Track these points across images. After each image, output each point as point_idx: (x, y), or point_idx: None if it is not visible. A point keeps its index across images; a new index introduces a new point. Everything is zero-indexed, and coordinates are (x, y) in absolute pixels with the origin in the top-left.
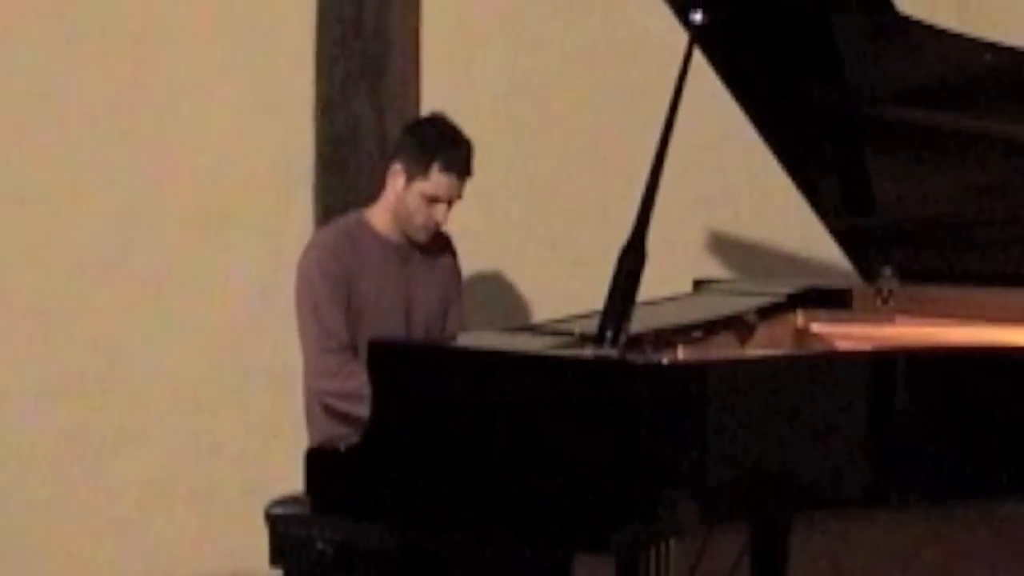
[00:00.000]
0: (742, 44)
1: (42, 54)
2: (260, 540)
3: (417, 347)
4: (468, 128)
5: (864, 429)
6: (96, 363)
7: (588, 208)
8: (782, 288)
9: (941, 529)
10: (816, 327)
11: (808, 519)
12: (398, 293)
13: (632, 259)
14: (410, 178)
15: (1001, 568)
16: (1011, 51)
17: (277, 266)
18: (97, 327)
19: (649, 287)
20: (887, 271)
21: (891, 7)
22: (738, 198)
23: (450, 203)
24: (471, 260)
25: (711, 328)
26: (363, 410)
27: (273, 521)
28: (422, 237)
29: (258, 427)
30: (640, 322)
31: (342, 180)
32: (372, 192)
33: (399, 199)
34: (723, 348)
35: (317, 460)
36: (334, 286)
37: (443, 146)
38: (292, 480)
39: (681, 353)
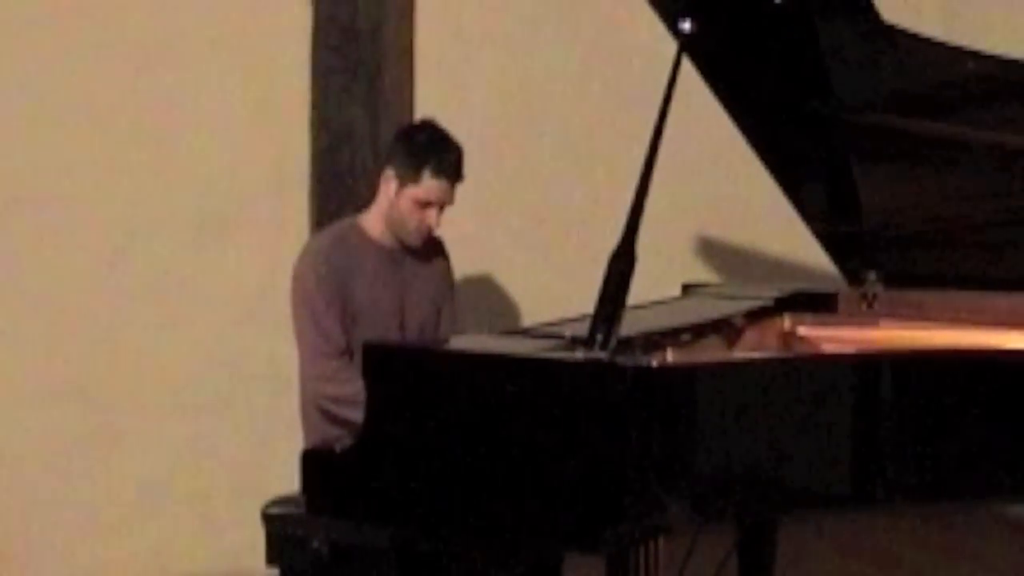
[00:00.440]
0: (730, 52)
1: (43, 62)
2: (257, 540)
3: (411, 350)
4: (460, 134)
5: (850, 430)
6: (95, 365)
7: (579, 213)
8: (769, 292)
9: (926, 529)
10: (802, 330)
11: (795, 519)
12: (392, 297)
13: (622, 263)
14: (402, 183)
15: (986, 567)
16: (995, 59)
17: (273, 270)
18: (96, 330)
19: (639, 291)
20: (872, 275)
21: (876, 16)
22: (726, 203)
23: (442, 207)
24: (464, 264)
25: (699, 331)
26: (359, 415)
27: (270, 521)
28: (415, 241)
29: (255, 429)
30: (630, 325)
31: (337, 185)
32: (367, 197)
33: (392, 204)
34: (711, 351)
35: (313, 461)
36: (329, 291)
37: (434, 151)
38: (288, 481)
39: (670, 356)
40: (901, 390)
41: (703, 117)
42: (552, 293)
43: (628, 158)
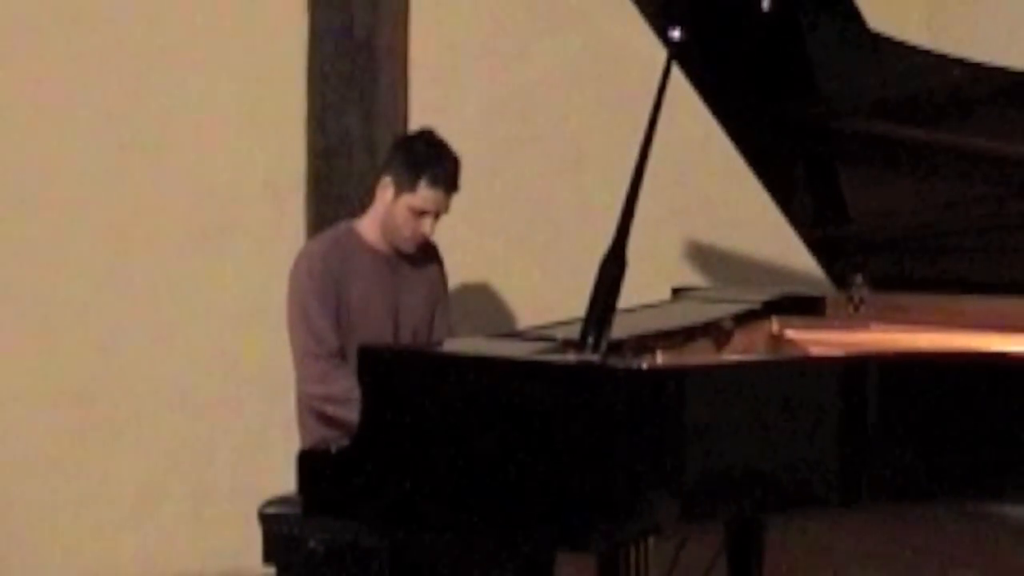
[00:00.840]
0: (718, 60)
1: (42, 71)
2: (254, 539)
3: (405, 353)
4: (453, 140)
5: (837, 431)
6: (95, 368)
7: (570, 218)
8: (757, 296)
9: (912, 528)
10: (790, 333)
11: (783, 519)
12: (386, 301)
13: (613, 267)
14: (398, 192)
15: (970, 565)
16: (979, 67)
17: (270, 274)
18: (95, 333)
19: (629, 295)
20: (858, 279)
21: (863, 24)
22: (715, 209)
23: (437, 216)
24: (458, 269)
25: (689, 334)
26: (350, 414)
27: (266, 521)
28: (409, 248)
29: (252, 430)
30: (621, 328)
31: (333, 191)
32: (362, 202)
33: (387, 211)
34: (701, 353)
35: (308, 462)
36: (324, 294)
37: (431, 162)
38: (284, 481)
39: (660, 358)
40: (887, 392)
41: (693, 123)
42: (544, 296)
43: (619, 164)
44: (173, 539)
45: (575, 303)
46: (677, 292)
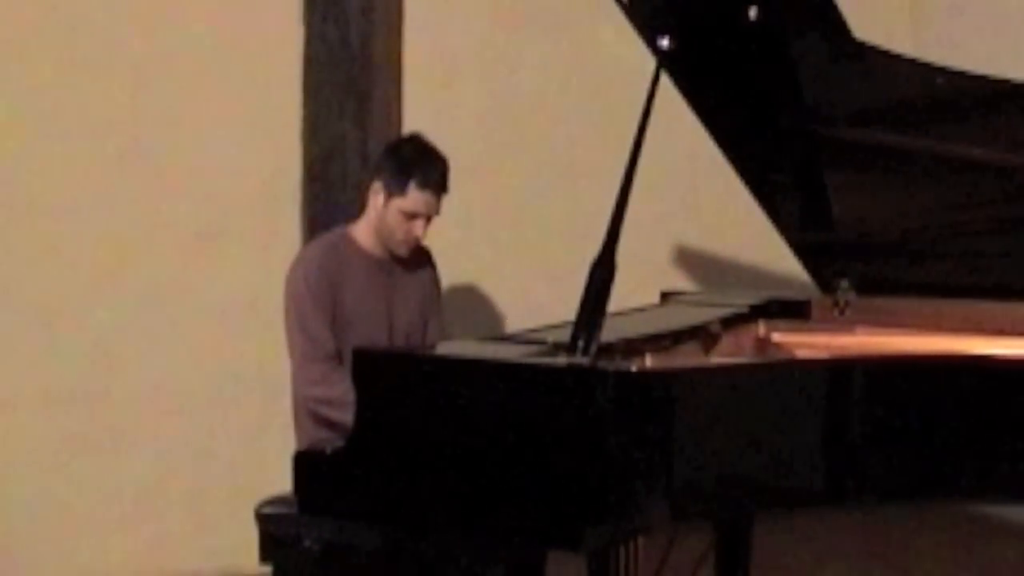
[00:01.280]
0: (706, 68)
1: (45, 81)
2: (251, 538)
3: (399, 356)
4: (446, 147)
5: (822, 432)
6: (94, 370)
7: (561, 223)
8: (745, 299)
9: (896, 527)
10: (777, 336)
11: (770, 518)
12: (380, 304)
13: (603, 272)
14: (389, 196)
15: (954, 563)
16: (962, 75)
17: (266, 278)
18: (95, 336)
19: (619, 298)
20: (844, 283)
21: (848, 33)
22: (703, 214)
23: (428, 218)
24: (450, 273)
25: (678, 337)
26: (347, 415)
27: (263, 520)
28: (403, 251)
29: (248, 431)
30: (610, 331)
31: (328, 197)
32: (357, 208)
33: (379, 216)
34: (689, 356)
35: (304, 463)
36: (320, 298)
37: (420, 165)
38: (281, 482)
39: (649, 361)
40: (872, 394)
41: (681, 131)
42: (535, 300)
43: (609, 170)
44: (171, 538)
45: (566, 307)
46: (666, 296)
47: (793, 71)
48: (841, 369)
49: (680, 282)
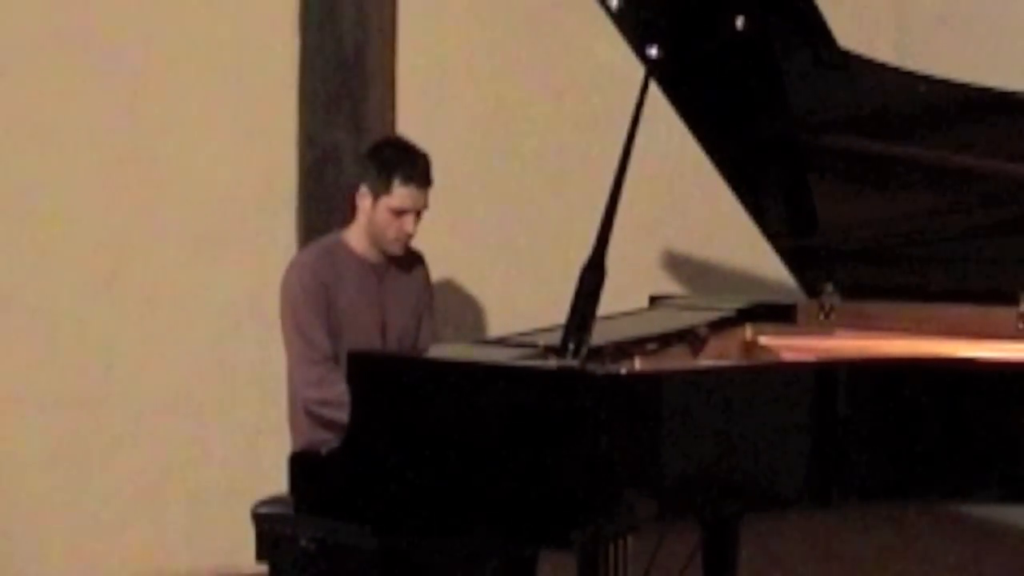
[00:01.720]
0: (694, 77)
1: (46, 88)
2: (247, 537)
3: (393, 358)
4: (439, 153)
5: (808, 434)
6: (94, 372)
7: (552, 228)
8: (732, 303)
9: (879, 527)
10: (763, 340)
11: (756, 517)
12: (374, 308)
13: (592, 276)
14: (376, 196)
15: (938, 563)
16: (944, 83)
17: (263, 282)
18: (94, 339)
19: (608, 302)
20: (829, 287)
21: (832, 42)
22: (691, 220)
23: (418, 214)
24: (443, 277)
25: (666, 341)
26: (345, 416)
27: (259, 520)
28: (397, 250)
29: (245, 433)
30: (600, 335)
31: (323, 202)
32: (351, 213)
33: (369, 218)
34: (677, 359)
35: (300, 463)
36: (315, 303)
37: (401, 162)
38: (277, 482)
39: (638, 364)
40: (856, 396)
41: (670, 138)
42: (526, 304)
43: (598, 176)
44: (169, 537)
45: (556, 310)
46: (654, 300)
47: (779, 79)
48: (826, 372)
49: (668, 286)
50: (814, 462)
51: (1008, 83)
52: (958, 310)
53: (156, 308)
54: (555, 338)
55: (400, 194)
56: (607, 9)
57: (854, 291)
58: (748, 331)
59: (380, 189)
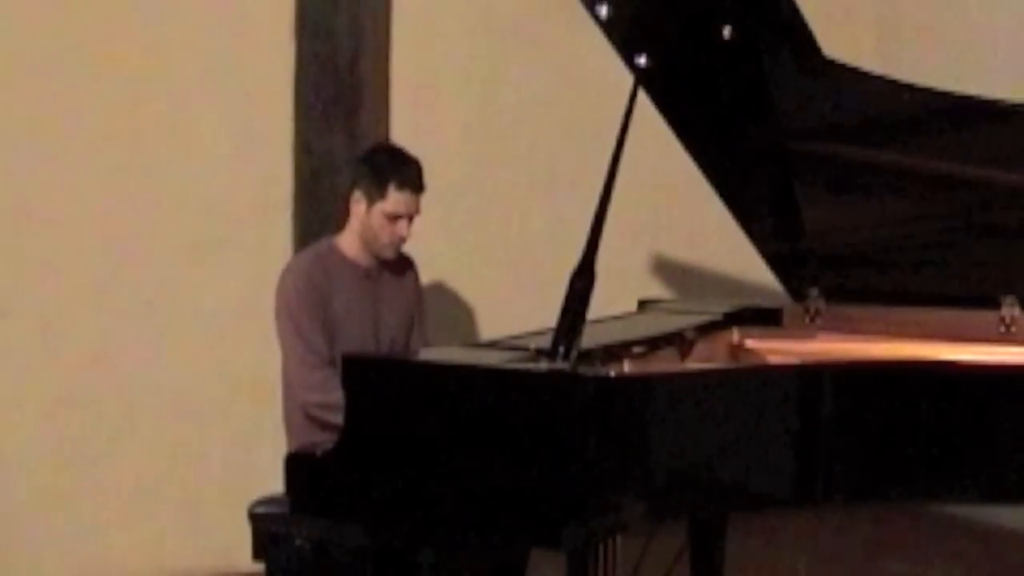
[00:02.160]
0: (682, 85)
1: (45, 96)
2: (244, 537)
3: (386, 361)
4: (431, 160)
5: (793, 435)
6: (93, 375)
7: (542, 234)
8: (719, 307)
9: (864, 526)
10: (750, 343)
11: (743, 517)
12: (367, 311)
13: (582, 280)
14: (371, 202)
15: (921, 562)
16: (927, 91)
17: (259, 287)
18: (93, 342)
19: (598, 306)
20: (814, 292)
21: (818, 51)
22: (679, 225)
23: (410, 219)
24: (435, 281)
25: (654, 344)
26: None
27: (256, 520)
28: (390, 254)
29: (242, 434)
30: (590, 338)
31: (318, 209)
32: (346, 220)
33: (363, 223)
34: (665, 362)
35: (296, 464)
36: (312, 307)
37: (395, 168)
38: (273, 482)
39: (627, 367)
40: (841, 398)
41: (658, 145)
42: (517, 308)
43: (588, 183)
44: (167, 537)
45: (547, 314)
46: (643, 304)
47: (765, 87)
48: (811, 374)
49: (657, 290)
50: (799, 463)
51: (989, 91)
52: (940, 314)
53: (154, 311)
54: (546, 341)
55: (395, 199)
56: (596, 19)
57: (839, 295)
58: (735, 334)
59: (375, 194)
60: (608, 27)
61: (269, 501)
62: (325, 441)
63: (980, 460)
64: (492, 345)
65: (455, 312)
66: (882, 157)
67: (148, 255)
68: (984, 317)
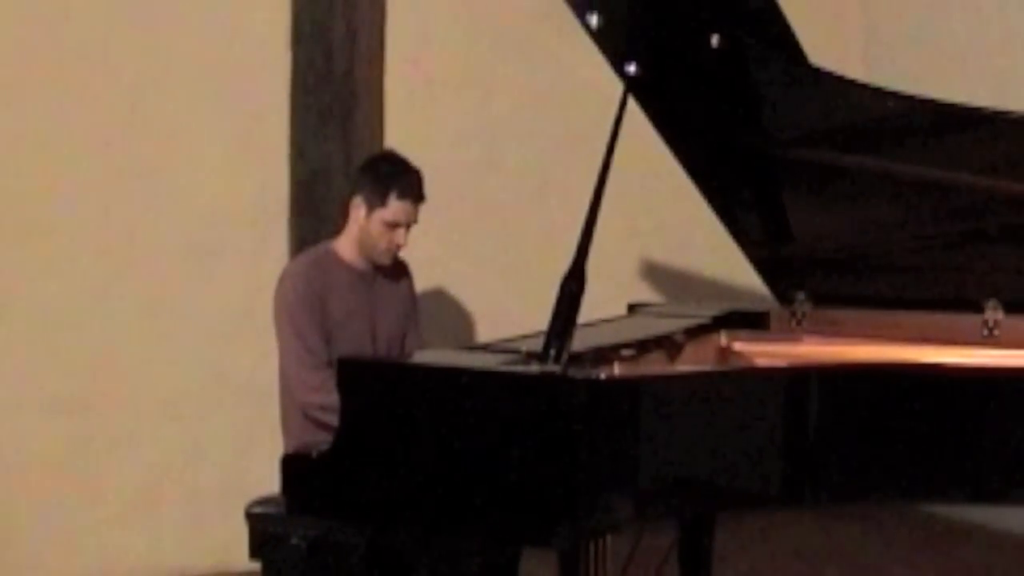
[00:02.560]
0: (671, 93)
1: (44, 104)
2: (241, 536)
3: (381, 364)
4: (425, 167)
5: (780, 437)
6: (93, 378)
7: (534, 238)
8: (707, 311)
9: (850, 526)
10: (737, 346)
11: (731, 517)
12: (364, 314)
13: (573, 284)
14: (371, 209)
15: (907, 562)
16: (911, 99)
17: (256, 291)
18: (94, 346)
19: (588, 310)
20: (800, 296)
21: (804, 59)
22: (668, 230)
23: (408, 227)
24: (429, 285)
25: (644, 347)
26: None
27: (252, 519)
28: (386, 260)
29: (239, 435)
30: (580, 341)
31: (314, 215)
32: (341, 225)
33: (362, 229)
34: (654, 365)
35: (292, 465)
36: (310, 310)
37: (397, 177)
38: (269, 483)
39: (617, 369)
40: (827, 400)
41: (647, 151)
42: (509, 311)
43: (579, 188)
44: (166, 536)
45: (538, 317)
46: (633, 308)
47: (753, 95)
48: (798, 377)
49: (646, 294)
50: (786, 463)
51: (973, 99)
52: (924, 317)
53: (153, 315)
54: (538, 344)
55: (395, 208)
56: (587, 28)
57: (824, 299)
58: (723, 337)
59: (376, 202)
60: (599, 36)
61: (265, 501)
62: (321, 442)
63: (964, 461)
64: (485, 348)
65: (449, 315)
66: (867, 163)
67: (147, 259)
68: (967, 320)
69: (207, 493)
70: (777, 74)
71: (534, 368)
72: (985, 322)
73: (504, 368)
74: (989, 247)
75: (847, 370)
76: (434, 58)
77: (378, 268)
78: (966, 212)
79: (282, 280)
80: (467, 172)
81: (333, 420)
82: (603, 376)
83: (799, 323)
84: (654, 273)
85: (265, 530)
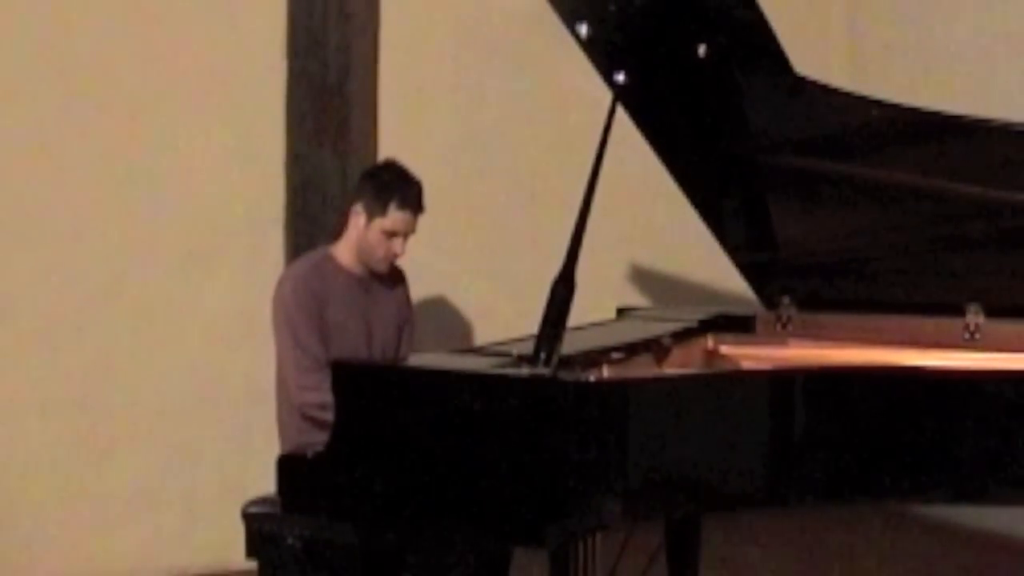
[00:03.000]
0: (659, 101)
1: (44, 111)
2: (238, 536)
3: (374, 367)
4: (419, 174)
5: (766, 438)
6: (92, 380)
7: (524, 244)
8: (694, 315)
9: (835, 526)
10: (724, 349)
11: (717, 517)
12: (360, 318)
13: (563, 289)
14: (370, 217)
15: (890, 561)
16: (896, 107)
17: (253, 296)
18: (94, 349)
19: (578, 314)
20: (786, 300)
21: (789, 68)
22: (656, 235)
23: (406, 236)
24: (422, 289)
25: (632, 350)
26: None
27: (249, 519)
28: (382, 267)
29: (235, 436)
30: (570, 345)
31: (309, 221)
32: (336, 231)
33: (361, 236)
34: (642, 368)
35: (288, 466)
36: (309, 312)
37: (398, 187)
38: (266, 483)
39: (606, 372)
40: (811, 402)
41: (636, 158)
42: (500, 315)
43: (569, 194)
44: (164, 536)
45: (529, 321)
46: (621, 312)
47: (739, 104)
48: (783, 379)
49: (635, 298)
50: (772, 464)
51: (956, 107)
52: (907, 321)
53: (151, 318)
54: (528, 348)
55: (394, 217)
56: (577, 38)
57: (809, 303)
58: (709, 341)
59: (376, 210)
60: (588, 46)
61: (262, 501)
62: (317, 444)
63: (946, 462)
64: (477, 351)
65: (441, 319)
66: (852, 170)
67: (145, 263)
68: (950, 324)
69: (204, 493)
70: (763, 83)
71: (524, 371)
72: (967, 326)
73: (495, 371)
74: (971, 252)
75: (831, 373)
76: (427, 68)
77: (375, 274)
78: (949, 218)
79: (280, 283)
80: (459, 179)
81: (331, 418)
82: (592, 379)
83: (784, 327)
84: (642, 278)
85: (261, 529)
